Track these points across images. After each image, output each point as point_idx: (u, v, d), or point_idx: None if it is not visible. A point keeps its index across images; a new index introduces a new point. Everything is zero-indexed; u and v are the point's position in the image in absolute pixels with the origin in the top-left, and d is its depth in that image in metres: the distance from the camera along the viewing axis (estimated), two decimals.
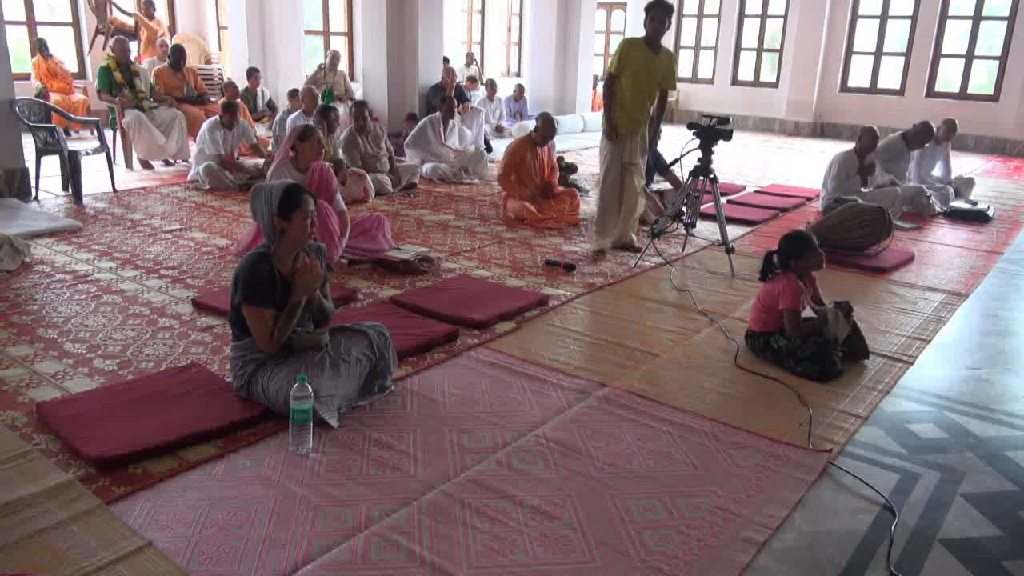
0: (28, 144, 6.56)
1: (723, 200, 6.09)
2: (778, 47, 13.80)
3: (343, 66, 11.23)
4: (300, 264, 2.88)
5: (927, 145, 7.35)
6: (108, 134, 7.57)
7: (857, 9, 12.95)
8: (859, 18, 13.01)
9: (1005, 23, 11.68)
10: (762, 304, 3.65)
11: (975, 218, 6.96)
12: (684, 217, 5.34)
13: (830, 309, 3.61)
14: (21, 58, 10.00)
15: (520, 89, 12.43)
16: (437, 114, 8.21)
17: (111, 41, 7.96)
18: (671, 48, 14.81)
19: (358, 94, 10.56)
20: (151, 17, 9.23)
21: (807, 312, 3.63)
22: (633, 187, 5.37)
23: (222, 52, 12.78)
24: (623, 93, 5.13)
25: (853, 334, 3.61)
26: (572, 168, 7.92)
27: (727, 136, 5.07)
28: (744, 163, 10.04)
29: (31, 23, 10.51)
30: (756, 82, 14.25)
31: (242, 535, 2.20)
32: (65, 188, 6.54)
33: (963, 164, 10.17)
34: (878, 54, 12.92)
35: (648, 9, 5.01)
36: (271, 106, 10.21)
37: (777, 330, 3.57)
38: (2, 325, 3.68)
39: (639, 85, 5.11)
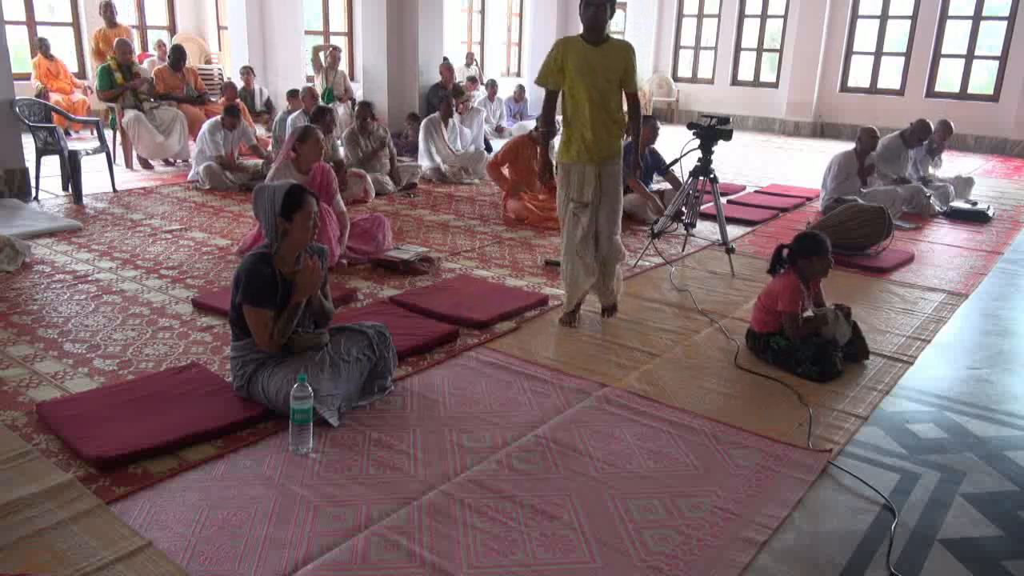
0: (28, 144, 6.56)
1: (723, 200, 6.08)
2: (778, 47, 13.79)
3: (343, 66, 11.22)
4: (302, 264, 2.89)
5: (924, 143, 7.36)
6: (108, 134, 7.57)
7: (857, 9, 12.94)
8: (859, 18, 13.00)
9: (1005, 23, 11.68)
10: (763, 304, 3.64)
11: (975, 218, 6.96)
12: (684, 217, 5.34)
13: (829, 310, 3.61)
14: (21, 58, 10.00)
15: (521, 90, 12.42)
16: (436, 115, 8.21)
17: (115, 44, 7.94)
18: (671, 48, 14.98)
19: (358, 94, 10.56)
20: (114, 24, 9.13)
21: (807, 313, 3.62)
22: (607, 236, 3.91)
23: (222, 52, 12.79)
24: (564, 107, 3.80)
25: (854, 335, 3.61)
26: None
27: (727, 136, 5.07)
28: (744, 163, 10.04)
29: (31, 23, 10.51)
30: (756, 82, 14.25)
31: (242, 535, 2.20)
32: (65, 188, 6.54)
33: (963, 164, 10.18)
34: (878, 54, 12.92)
35: None
36: (269, 106, 10.20)
37: (777, 330, 3.56)
38: (2, 325, 3.68)
39: (587, 91, 3.70)
